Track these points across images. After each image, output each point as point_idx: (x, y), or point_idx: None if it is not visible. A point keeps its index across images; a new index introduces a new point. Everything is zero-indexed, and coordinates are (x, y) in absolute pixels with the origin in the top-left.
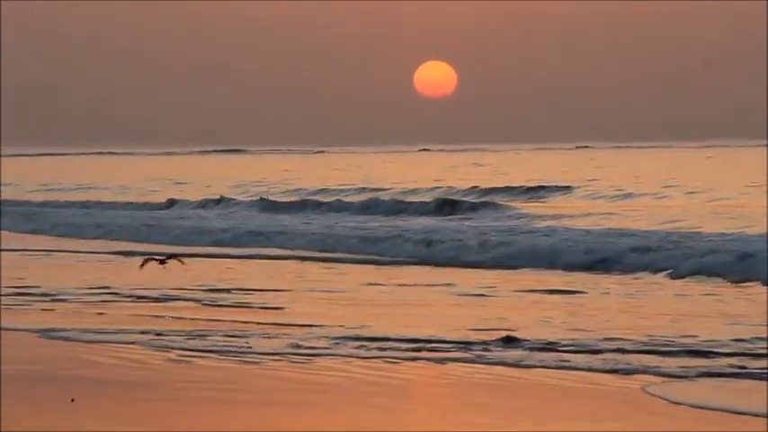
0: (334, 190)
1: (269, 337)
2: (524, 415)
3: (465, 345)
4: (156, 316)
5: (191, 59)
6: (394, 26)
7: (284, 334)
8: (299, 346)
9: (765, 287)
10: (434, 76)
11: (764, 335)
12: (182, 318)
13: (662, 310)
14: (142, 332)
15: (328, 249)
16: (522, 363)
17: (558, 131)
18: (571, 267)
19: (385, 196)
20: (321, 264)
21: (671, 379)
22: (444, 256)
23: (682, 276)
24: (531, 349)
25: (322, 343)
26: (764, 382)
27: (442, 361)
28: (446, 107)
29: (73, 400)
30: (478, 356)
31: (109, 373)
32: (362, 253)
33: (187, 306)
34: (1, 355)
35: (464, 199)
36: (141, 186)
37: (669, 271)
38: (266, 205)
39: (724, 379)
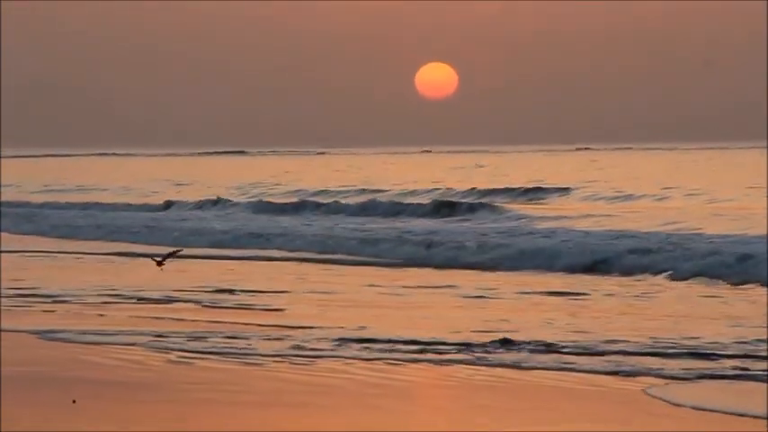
0: (333, 191)
1: (270, 339)
2: (526, 416)
3: (466, 346)
4: (157, 317)
5: (192, 60)
6: (396, 28)
7: (286, 336)
8: (300, 348)
9: (766, 289)
10: (436, 78)
11: (765, 337)
12: (182, 319)
13: (663, 311)
14: (143, 333)
15: (328, 251)
16: (523, 364)
17: (558, 133)
18: (571, 269)
19: (384, 198)
20: (321, 265)
21: (672, 381)
22: (444, 257)
23: (682, 278)
24: (532, 351)
25: (323, 344)
26: (765, 384)
27: (444, 363)
28: (447, 109)
29: (74, 402)
30: (480, 358)
31: (110, 375)
32: (362, 254)
33: (188, 308)
34: (1, 357)
35: (463, 200)
36: (141, 187)
37: (669, 273)
38: (265, 207)
39: (725, 381)
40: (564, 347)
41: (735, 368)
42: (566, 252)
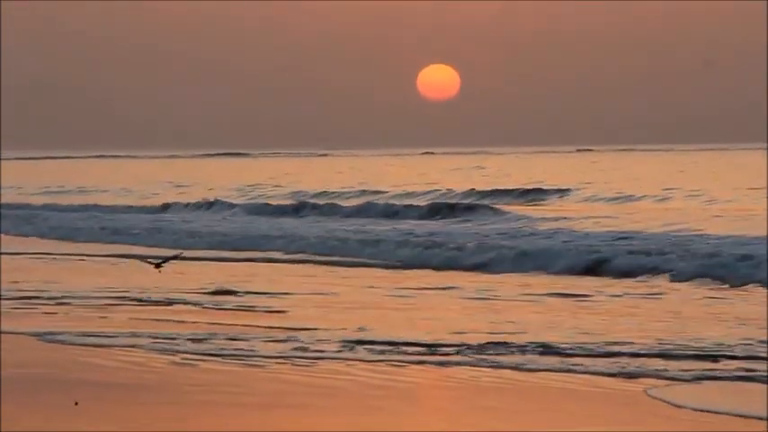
0: (333, 193)
1: (272, 341)
2: (527, 418)
3: (468, 348)
4: (158, 320)
5: (192, 60)
6: (396, 28)
7: (287, 337)
8: (302, 350)
9: (766, 290)
10: (437, 80)
11: (766, 338)
12: (183, 321)
13: (663, 312)
14: (145, 335)
15: (328, 252)
16: (524, 366)
17: (559, 133)
18: (572, 270)
19: (384, 199)
20: (321, 267)
21: (673, 382)
22: (444, 259)
23: (683, 279)
24: (533, 352)
25: (325, 346)
26: (766, 386)
27: (446, 364)
28: (449, 110)
29: (77, 404)
30: (481, 360)
31: (113, 377)
32: (362, 256)
33: (189, 309)
34: (1, 359)
35: (462, 202)
36: (141, 189)
37: (670, 274)
38: (264, 208)
39: (726, 382)
40: (565, 349)
41: (736, 369)
42: (566, 253)
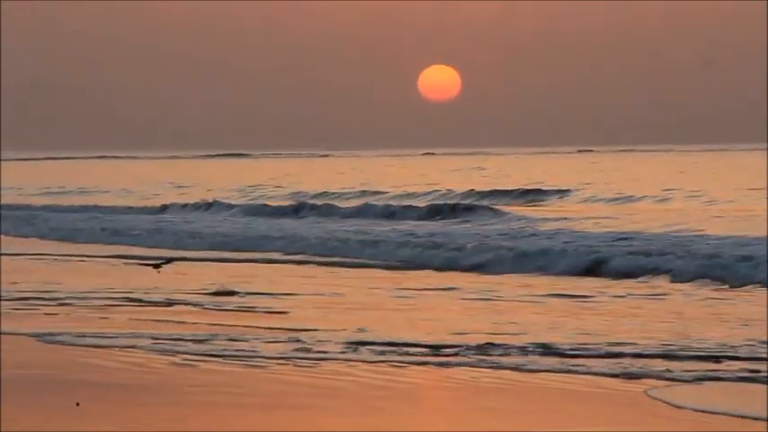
0: (333, 194)
1: (274, 341)
2: (528, 418)
3: (469, 348)
4: (159, 320)
5: (192, 60)
6: (396, 28)
7: (289, 338)
8: (304, 350)
9: (767, 290)
10: (439, 80)
11: (766, 338)
12: (184, 322)
13: (664, 313)
14: (145, 336)
15: (328, 253)
16: (525, 367)
17: (560, 134)
18: (572, 271)
19: (383, 200)
20: (322, 267)
21: (673, 383)
22: (444, 259)
23: (683, 280)
24: (534, 353)
25: (327, 347)
26: (766, 386)
27: (447, 365)
28: (450, 111)
29: (78, 404)
30: (482, 360)
31: (114, 377)
32: (362, 257)
33: (190, 310)
34: (2, 360)
35: (462, 202)
36: (142, 190)
37: (670, 274)
38: (264, 209)
39: (726, 383)
40: (565, 349)
41: (736, 370)
42: (567, 254)
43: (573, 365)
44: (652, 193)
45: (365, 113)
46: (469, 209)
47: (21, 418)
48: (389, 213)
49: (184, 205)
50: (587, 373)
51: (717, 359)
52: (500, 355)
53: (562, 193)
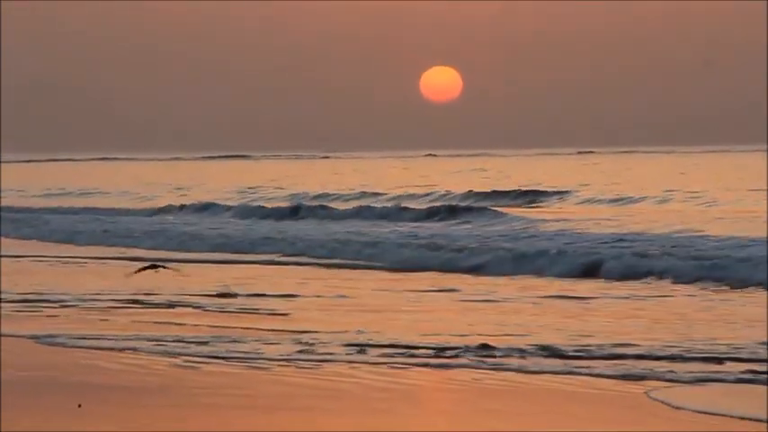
0: (333, 195)
1: (276, 343)
2: (529, 420)
3: (470, 350)
4: (161, 322)
5: (192, 60)
6: (397, 28)
7: (291, 339)
8: (306, 352)
9: (767, 291)
10: (440, 82)
11: (766, 340)
12: (186, 324)
13: (664, 314)
14: (147, 338)
15: (328, 255)
16: (526, 368)
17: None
18: (572, 272)
19: (383, 201)
20: (322, 269)
21: (674, 384)
22: (444, 260)
23: (684, 281)
24: (534, 355)
25: (329, 348)
26: (767, 387)
27: (449, 366)
28: (451, 112)
29: (80, 406)
30: (484, 362)
31: (115, 379)
32: (363, 258)
33: (192, 312)
34: (3, 362)
35: (462, 204)
36: (143, 192)
37: (671, 275)
38: (264, 210)
39: (727, 384)
40: (567, 351)
41: (737, 372)
42: (567, 255)
43: (574, 367)
44: (652, 194)
45: (366, 114)
46: (469, 210)
47: (21, 420)
48: (389, 215)
49: (180, 207)
50: (588, 375)
51: (718, 360)
52: (501, 357)
53: (562, 194)
